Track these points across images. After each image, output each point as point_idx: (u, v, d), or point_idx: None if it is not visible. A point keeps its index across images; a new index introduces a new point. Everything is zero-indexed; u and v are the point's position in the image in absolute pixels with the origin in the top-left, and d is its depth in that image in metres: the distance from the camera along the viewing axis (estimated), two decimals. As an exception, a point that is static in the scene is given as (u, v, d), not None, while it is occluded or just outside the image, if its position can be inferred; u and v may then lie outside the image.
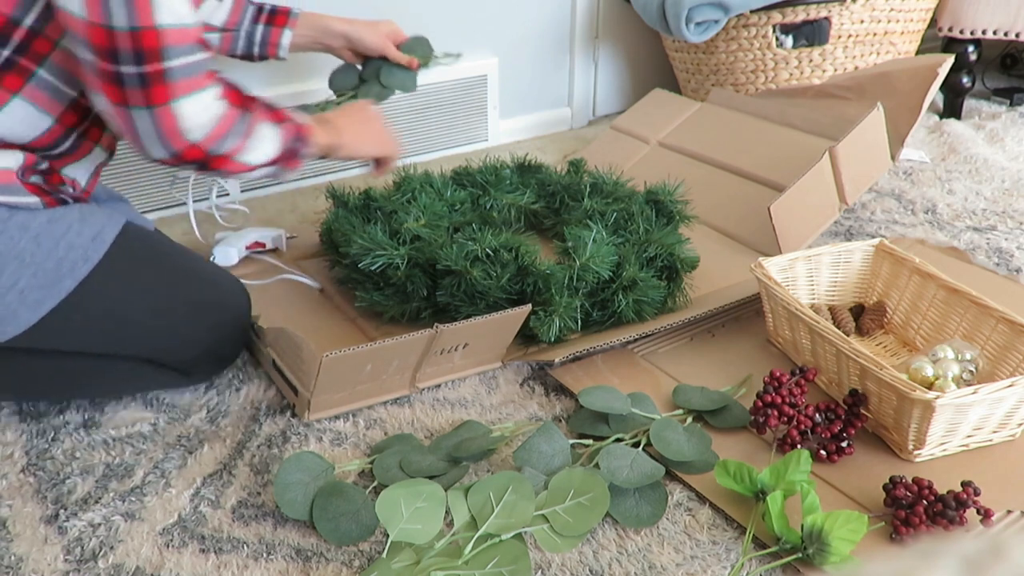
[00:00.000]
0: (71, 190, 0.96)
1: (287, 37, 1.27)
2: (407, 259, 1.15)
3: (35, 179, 0.89)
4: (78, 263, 0.89)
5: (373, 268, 1.16)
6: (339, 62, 1.39)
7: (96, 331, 0.95)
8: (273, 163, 1.00)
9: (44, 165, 0.91)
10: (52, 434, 1.01)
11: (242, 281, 1.27)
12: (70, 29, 0.84)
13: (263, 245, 1.40)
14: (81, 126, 0.92)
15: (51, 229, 0.88)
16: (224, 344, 1.06)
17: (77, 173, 0.97)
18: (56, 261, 0.88)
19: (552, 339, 1.11)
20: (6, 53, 0.84)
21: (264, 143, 0.97)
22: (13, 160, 0.87)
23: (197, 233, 1.41)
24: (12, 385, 1.00)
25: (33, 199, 0.87)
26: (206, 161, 0.92)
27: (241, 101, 0.94)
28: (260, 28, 1.26)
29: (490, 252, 1.13)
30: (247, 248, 1.38)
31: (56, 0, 0.82)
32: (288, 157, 1.02)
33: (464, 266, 1.11)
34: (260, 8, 1.27)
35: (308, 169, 1.75)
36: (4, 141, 0.87)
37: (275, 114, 1.00)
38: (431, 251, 1.15)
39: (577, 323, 1.13)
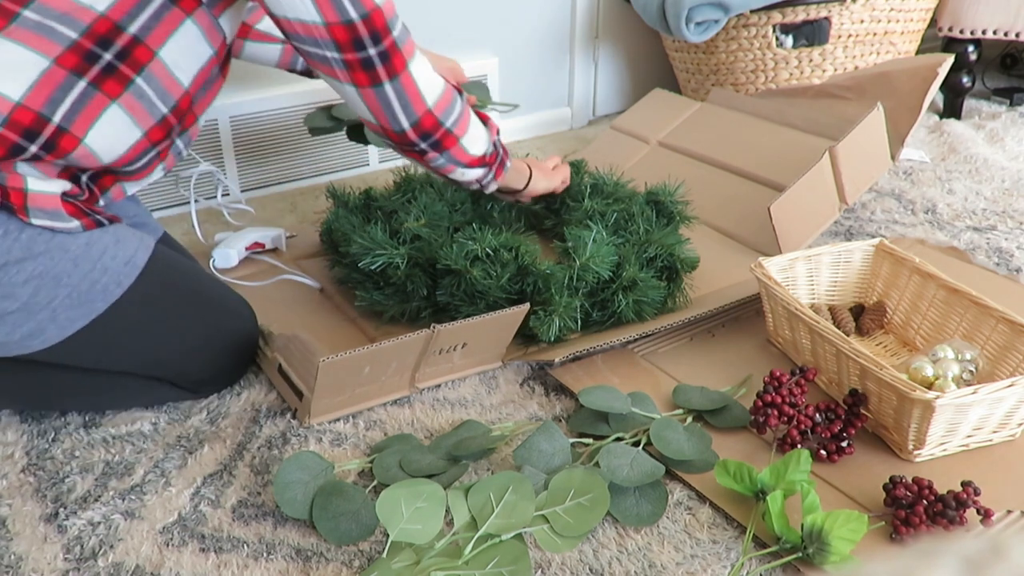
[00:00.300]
0: (104, 206, 0.98)
1: None
2: (407, 258, 1.15)
3: (76, 202, 0.91)
4: (110, 287, 0.92)
5: (373, 268, 1.16)
6: None
7: (117, 351, 0.97)
8: (486, 162, 1.09)
9: (84, 196, 0.93)
10: (53, 435, 1.01)
11: (242, 283, 1.28)
12: (308, 36, 0.90)
13: (262, 245, 1.40)
14: (161, 144, 0.94)
15: (88, 252, 0.90)
16: (233, 365, 1.08)
17: (132, 189, 0.99)
18: (90, 283, 0.90)
19: (552, 339, 1.11)
20: (108, 57, 0.85)
21: (479, 133, 1.06)
22: (58, 187, 0.89)
23: (199, 233, 1.41)
24: (25, 396, 1.02)
25: (74, 223, 0.89)
26: (439, 137, 1.01)
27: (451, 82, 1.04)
28: None
29: (490, 252, 1.13)
30: (247, 249, 1.38)
31: (287, 15, 0.89)
32: (495, 161, 1.11)
33: (464, 265, 1.11)
34: None
35: (307, 168, 1.75)
36: (93, 157, 0.88)
37: (478, 113, 1.09)
38: (431, 250, 1.15)
39: (577, 323, 1.13)
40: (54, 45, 0.83)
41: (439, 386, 1.10)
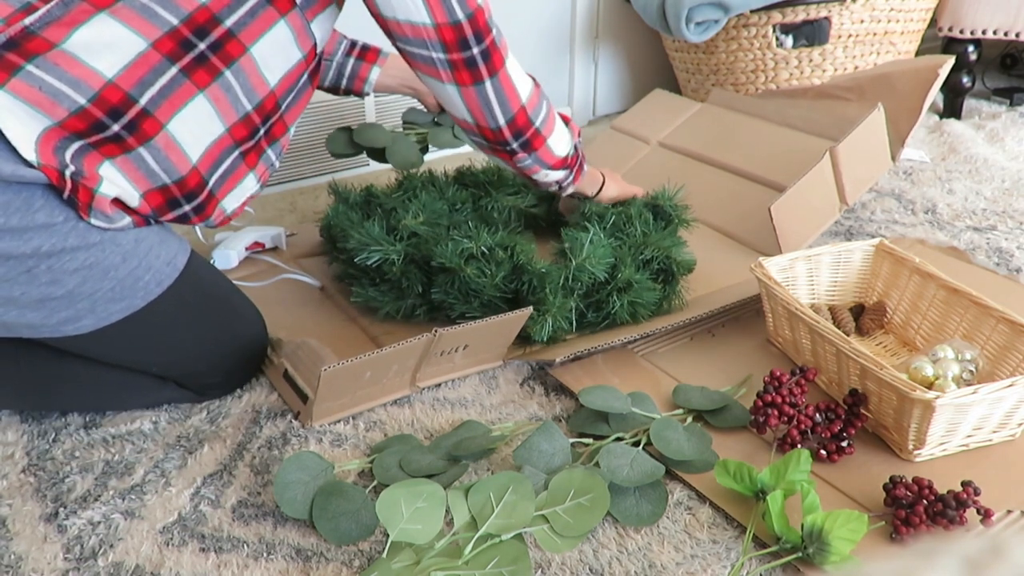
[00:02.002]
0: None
1: (375, 73, 1.34)
2: (403, 255, 1.15)
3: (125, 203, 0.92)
4: (151, 285, 0.93)
5: (369, 263, 1.16)
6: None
7: (139, 348, 0.98)
8: (567, 164, 1.14)
9: (173, 214, 0.94)
10: (53, 435, 1.01)
11: (243, 284, 1.28)
12: (417, 38, 0.94)
13: (262, 245, 1.40)
14: (245, 144, 0.95)
15: (136, 249, 0.91)
16: (242, 372, 1.09)
17: (229, 203, 0.99)
18: (134, 280, 0.92)
19: (544, 339, 1.11)
20: (202, 47, 0.87)
21: (562, 135, 1.11)
22: (116, 191, 0.88)
23: (199, 233, 1.41)
24: (29, 389, 1.02)
25: (126, 219, 0.91)
26: (529, 136, 1.06)
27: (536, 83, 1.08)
28: (351, 61, 1.32)
29: (485, 250, 1.13)
30: (247, 249, 1.38)
31: (397, 16, 0.93)
32: (575, 164, 1.16)
33: (458, 264, 1.11)
34: (353, 43, 1.33)
35: (307, 168, 1.75)
36: (176, 147, 0.89)
37: (561, 115, 1.13)
38: (427, 248, 1.15)
39: (571, 324, 1.13)
40: (154, 28, 0.85)
41: (439, 386, 1.10)
